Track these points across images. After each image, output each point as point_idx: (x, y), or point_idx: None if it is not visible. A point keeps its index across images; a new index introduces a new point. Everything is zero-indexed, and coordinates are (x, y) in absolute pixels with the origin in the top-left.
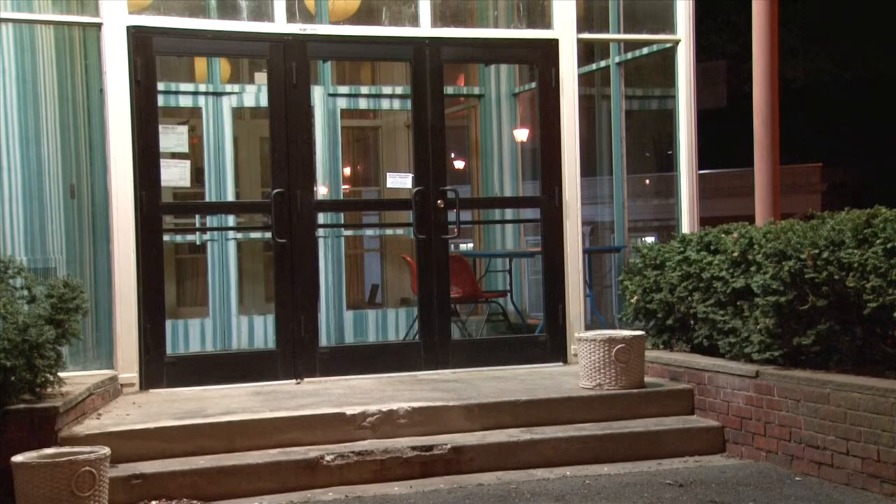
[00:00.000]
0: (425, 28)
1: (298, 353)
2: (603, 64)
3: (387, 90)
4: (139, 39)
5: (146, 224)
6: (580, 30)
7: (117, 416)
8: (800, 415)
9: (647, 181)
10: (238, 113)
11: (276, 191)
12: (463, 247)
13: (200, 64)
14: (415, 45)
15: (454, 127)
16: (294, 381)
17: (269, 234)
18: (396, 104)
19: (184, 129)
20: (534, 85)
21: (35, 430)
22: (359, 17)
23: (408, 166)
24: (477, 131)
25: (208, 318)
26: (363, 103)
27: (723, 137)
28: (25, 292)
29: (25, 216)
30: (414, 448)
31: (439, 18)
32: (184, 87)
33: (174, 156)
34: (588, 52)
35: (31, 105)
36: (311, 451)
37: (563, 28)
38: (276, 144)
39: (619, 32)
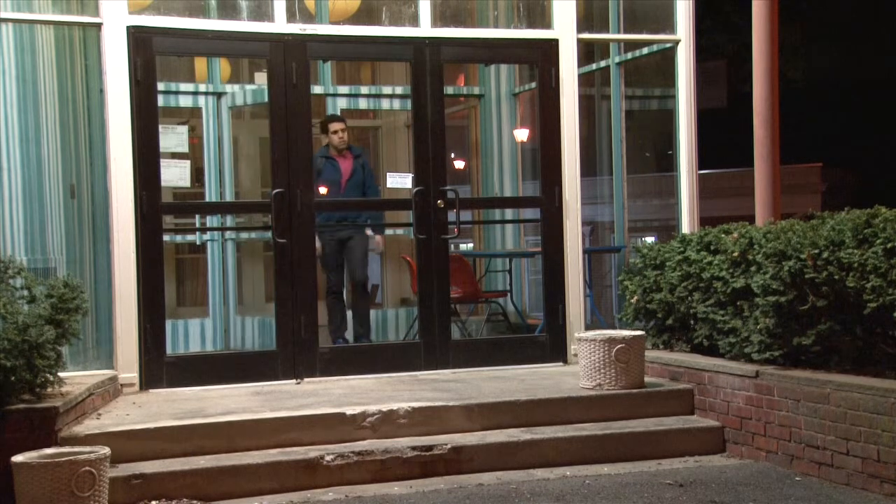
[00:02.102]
0: (425, 28)
1: (298, 353)
2: (603, 64)
3: (387, 90)
4: (139, 39)
5: (146, 224)
6: (580, 30)
7: (117, 416)
8: (800, 415)
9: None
10: (238, 113)
11: (276, 191)
12: (463, 247)
13: (200, 64)
14: (415, 45)
15: (454, 127)
16: (294, 381)
17: (269, 234)
18: (396, 104)
19: (184, 129)
20: (534, 85)
21: (35, 430)
22: (359, 17)
23: (408, 166)
24: (477, 131)
25: (208, 318)
26: (363, 103)
27: (723, 137)
28: (25, 292)
29: (25, 216)
30: (414, 448)
31: (439, 18)
32: (184, 87)
33: (174, 156)
34: (588, 52)
35: (31, 105)
36: (311, 451)
37: (563, 28)
38: (276, 144)
39: (619, 32)
